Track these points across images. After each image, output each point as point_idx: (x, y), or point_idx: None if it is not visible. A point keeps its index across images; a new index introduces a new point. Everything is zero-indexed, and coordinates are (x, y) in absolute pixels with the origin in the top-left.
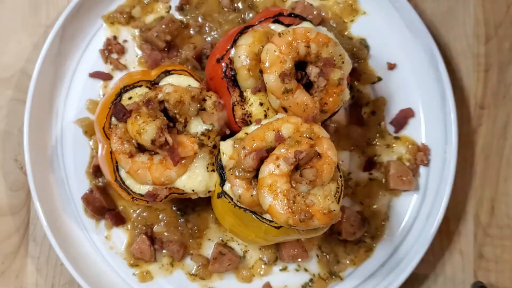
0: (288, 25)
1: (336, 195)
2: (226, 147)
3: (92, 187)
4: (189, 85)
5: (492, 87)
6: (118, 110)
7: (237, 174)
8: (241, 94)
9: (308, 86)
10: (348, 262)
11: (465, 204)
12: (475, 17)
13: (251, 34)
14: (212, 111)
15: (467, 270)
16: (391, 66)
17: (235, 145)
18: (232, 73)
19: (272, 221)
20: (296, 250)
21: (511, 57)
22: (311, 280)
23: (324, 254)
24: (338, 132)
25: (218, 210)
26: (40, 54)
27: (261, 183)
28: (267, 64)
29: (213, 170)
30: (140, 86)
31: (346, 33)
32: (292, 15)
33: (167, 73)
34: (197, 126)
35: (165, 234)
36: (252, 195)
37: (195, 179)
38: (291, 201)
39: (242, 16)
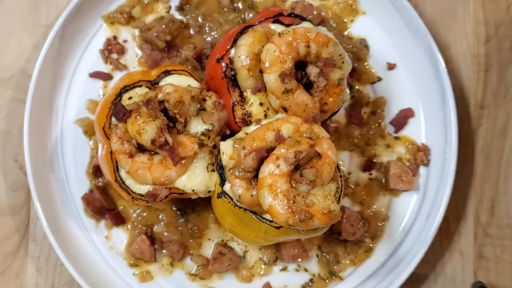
0: (288, 25)
1: (336, 195)
2: (226, 147)
3: (92, 187)
4: (189, 85)
5: (492, 87)
6: (118, 110)
7: (237, 174)
8: (241, 94)
9: (308, 86)
10: (348, 262)
11: (465, 204)
12: (475, 17)
13: (251, 34)
14: (212, 111)
15: (467, 270)
16: (391, 66)
17: (235, 145)
18: (232, 73)
19: (272, 221)
20: (296, 250)
21: (511, 57)
22: (311, 280)
23: (324, 254)
24: (338, 132)
25: (218, 210)
26: (40, 54)
27: (261, 183)
28: (267, 64)
29: (213, 170)
30: (140, 86)
31: (346, 33)
32: (292, 15)
33: (167, 73)
34: (197, 126)
35: (165, 234)
36: (252, 195)
37: (195, 179)
38: (291, 201)
39: (242, 16)
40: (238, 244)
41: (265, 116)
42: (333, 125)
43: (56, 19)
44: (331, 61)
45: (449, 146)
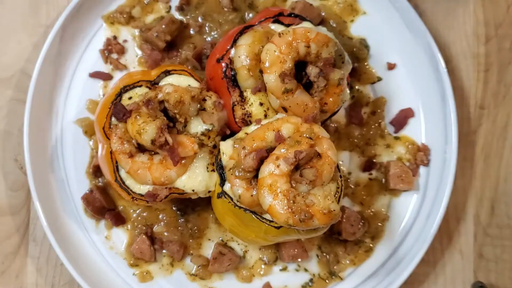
0: (288, 25)
1: (336, 195)
2: (226, 147)
3: (92, 187)
4: (189, 85)
5: (492, 87)
6: (118, 110)
7: (237, 174)
8: (241, 94)
9: (308, 86)
10: (348, 262)
11: (465, 204)
12: (475, 17)
13: (251, 34)
14: (212, 111)
15: (467, 270)
16: (391, 66)
17: (235, 145)
18: (232, 73)
19: (272, 221)
20: (296, 250)
21: (511, 57)
22: (311, 280)
23: (324, 254)
24: (338, 132)
25: (218, 210)
26: (40, 54)
27: (261, 183)
28: (267, 64)
29: (213, 170)
30: (140, 86)
31: (346, 33)
32: (292, 15)
33: (167, 73)
34: (197, 126)
35: (165, 234)
36: (252, 195)
37: (195, 179)
38: (291, 201)
39: (242, 16)
40: (238, 244)
41: (265, 116)
42: (333, 125)
43: (56, 19)
44: (331, 61)
45: (449, 146)
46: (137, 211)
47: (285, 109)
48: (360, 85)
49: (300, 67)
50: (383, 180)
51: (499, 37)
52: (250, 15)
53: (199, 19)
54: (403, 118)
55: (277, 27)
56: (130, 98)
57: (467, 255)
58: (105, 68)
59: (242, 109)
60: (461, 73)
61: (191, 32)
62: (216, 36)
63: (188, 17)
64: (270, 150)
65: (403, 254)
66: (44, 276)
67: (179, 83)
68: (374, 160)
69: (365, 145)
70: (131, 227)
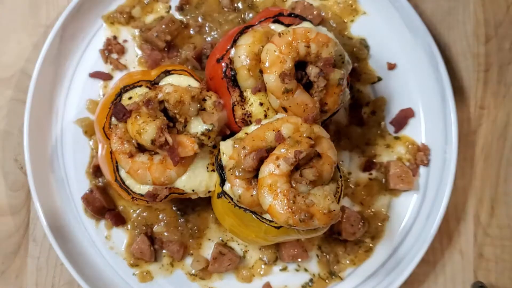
0: (288, 25)
1: (336, 195)
2: (226, 147)
3: (92, 187)
4: (189, 85)
5: (492, 87)
6: (118, 110)
7: (237, 174)
8: (241, 94)
9: (308, 86)
10: (348, 262)
11: (465, 204)
12: (475, 17)
13: (251, 34)
14: (212, 111)
15: (467, 270)
16: (391, 66)
17: (235, 145)
18: (232, 73)
19: (272, 221)
20: (296, 250)
21: (511, 57)
22: (311, 280)
23: (324, 254)
24: (338, 132)
25: (218, 210)
26: (40, 54)
27: (261, 183)
28: (267, 64)
29: (213, 170)
30: (140, 86)
31: (346, 33)
32: (292, 15)
33: (167, 73)
34: (197, 126)
35: (165, 234)
36: (252, 195)
37: (195, 179)
38: (291, 201)
39: (242, 16)
40: (238, 244)
41: (265, 116)
42: (333, 125)
43: (56, 19)
44: (331, 61)
45: (449, 146)
46: (137, 211)
47: (285, 109)
48: (360, 85)
49: (300, 67)
50: (383, 180)
51: (499, 37)
52: (250, 15)
53: (199, 19)
54: (403, 118)
55: (277, 27)
56: (130, 98)
57: (467, 255)
58: (105, 68)
59: (242, 109)
60: (461, 73)
61: (191, 32)
62: (216, 36)
63: (188, 17)
64: (270, 150)
65: (403, 254)
66: (44, 276)
67: (179, 83)
68: (374, 160)
69: (365, 145)
70: (131, 227)
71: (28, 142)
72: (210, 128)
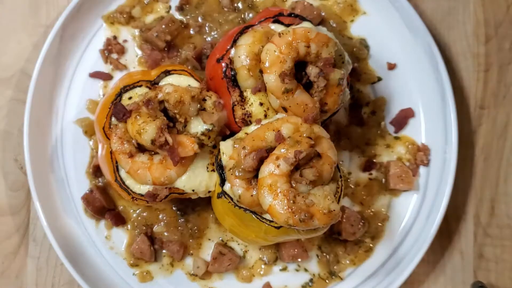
0: (288, 25)
1: (336, 195)
2: (226, 147)
3: (92, 187)
4: (189, 85)
5: (492, 87)
6: (118, 110)
7: (237, 174)
8: (241, 94)
9: (308, 86)
10: (348, 262)
11: (465, 204)
12: (475, 17)
13: (251, 34)
14: (212, 111)
15: (467, 270)
16: (391, 66)
17: (235, 145)
18: (232, 73)
19: (272, 221)
20: (296, 250)
21: (511, 57)
22: (311, 280)
23: (324, 254)
24: (338, 132)
25: (218, 210)
26: (40, 54)
27: (261, 183)
28: (267, 64)
29: (213, 170)
30: (140, 86)
31: (346, 33)
32: (292, 15)
33: (167, 73)
34: (197, 126)
35: (165, 234)
36: (252, 195)
37: (195, 179)
38: (291, 201)
39: (242, 16)
40: (238, 244)
41: (265, 116)
42: (333, 125)
43: (56, 19)
44: (331, 61)
45: (449, 146)
46: (137, 211)
47: (285, 109)
48: (360, 85)
49: (300, 67)
50: (383, 180)
51: (499, 37)
52: (250, 15)
53: (199, 19)
54: (403, 118)
55: (277, 27)
56: (130, 98)
57: (467, 255)
58: (105, 68)
59: (242, 109)
60: (461, 73)
61: (191, 32)
62: (216, 36)
63: (188, 17)
64: (270, 150)
65: (403, 254)
66: (44, 276)
67: (179, 83)
68: (374, 160)
69: (365, 145)
70: (131, 227)
71: (28, 142)
72: (210, 128)
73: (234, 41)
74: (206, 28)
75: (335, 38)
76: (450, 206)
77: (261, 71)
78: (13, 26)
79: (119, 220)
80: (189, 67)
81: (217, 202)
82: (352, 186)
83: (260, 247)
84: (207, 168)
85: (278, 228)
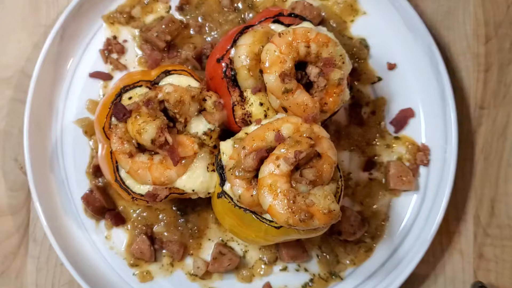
0: (288, 25)
1: (336, 195)
2: (226, 147)
3: (92, 187)
4: (189, 85)
5: (492, 87)
6: (118, 110)
7: (237, 174)
8: (241, 94)
9: (308, 86)
10: (348, 262)
11: (465, 204)
12: (475, 17)
13: (251, 34)
14: (212, 111)
15: (467, 270)
16: (391, 66)
17: (235, 145)
18: (232, 73)
19: (272, 221)
20: (296, 250)
21: (511, 57)
22: (311, 280)
23: (324, 254)
24: (338, 132)
25: (218, 210)
26: (40, 54)
27: (261, 183)
28: (267, 64)
29: (213, 170)
30: (140, 86)
31: (346, 33)
32: (292, 15)
33: (167, 73)
34: (197, 126)
35: (165, 234)
36: (252, 195)
37: (195, 179)
38: (291, 201)
39: (242, 16)
40: (238, 244)
41: (265, 116)
42: (333, 125)
43: (56, 19)
44: (331, 61)
45: (449, 146)
46: (137, 211)
47: (285, 109)
48: (360, 85)
49: (300, 67)
50: (383, 180)
51: (499, 37)
52: (250, 15)
53: (199, 19)
54: (403, 118)
55: (277, 27)
56: (130, 98)
57: (467, 255)
58: (105, 68)
59: (242, 109)
60: (461, 73)
61: (191, 32)
62: (216, 36)
63: (188, 17)
64: (270, 150)
65: (403, 254)
66: (44, 276)
67: (179, 83)
68: (374, 160)
69: (365, 145)
70: (131, 227)
71: (28, 142)
72: (213, 128)
73: (234, 41)
74: (206, 28)
75: (335, 38)
76: (450, 206)
77: (261, 71)
78: (13, 26)
79: (119, 220)
80: (189, 67)
81: (217, 202)
82: (352, 186)
83: (260, 247)
84: (207, 168)
85: (278, 228)
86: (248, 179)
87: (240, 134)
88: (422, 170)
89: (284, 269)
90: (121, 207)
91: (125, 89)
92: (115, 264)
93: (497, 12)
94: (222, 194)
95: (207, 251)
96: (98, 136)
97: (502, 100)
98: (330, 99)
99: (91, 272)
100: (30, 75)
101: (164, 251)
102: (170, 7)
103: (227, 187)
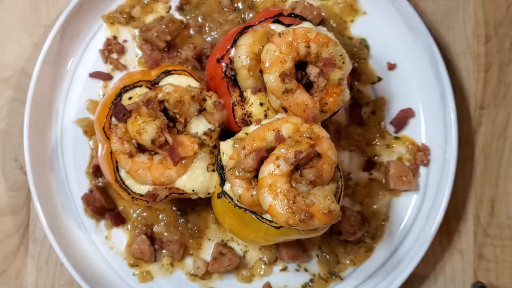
0: (288, 25)
1: (336, 195)
2: (226, 147)
3: (92, 187)
4: (189, 85)
5: (492, 87)
6: (118, 110)
7: (237, 174)
8: (241, 94)
9: (308, 86)
10: (348, 262)
11: (465, 204)
12: (475, 17)
13: (251, 34)
14: (212, 111)
15: (467, 270)
16: (391, 66)
17: (235, 145)
18: (232, 73)
19: (272, 221)
20: (296, 250)
21: (511, 57)
22: (311, 280)
23: (324, 254)
24: (338, 132)
25: (218, 210)
26: (40, 54)
27: (261, 183)
28: (267, 64)
29: (213, 170)
30: (140, 86)
31: (346, 33)
32: (292, 15)
33: (167, 73)
34: (197, 126)
35: (165, 234)
36: (252, 195)
37: (195, 179)
38: (291, 201)
39: (242, 16)
40: (238, 244)
41: (265, 116)
42: (333, 125)
43: (56, 19)
44: (331, 61)
45: (449, 146)
46: (137, 211)
47: (285, 109)
48: (360, 85)
49: (300, 67)
50: (383, 180)
51: (499, 37)
52: (250, 15)
53: (199, 19)
54: (403, 118)
55: (277, 27)
56: (130, 98)
57: (467, 255)
58: (105, 68)
59: (242, 109)
60: (461, 73)
61: (191, 32)
62: (216, 36)
63: (188, 17)
64: (270, 150)
65: (403, 254)
66: (44, 276)
67: (179, 83)
68: (374, 160)
69: (365, 145)
70: (131, 227)
71: (28, 142)
72: (213, 128)
73: (234, 41)
74: (206, 28)
75: (335, 38)
76: (450, 206)
77: (261, 71)
78: (13, 26)
79: (119, 220)
80: (189, 67)
81: (217, 202)
82: (352, 186)
83: (260, 247)
84: (207, 168)
85: (278, 228)
86: (248, 179)
87: (240, 134)
88: (422, 170)
89: (284, 269)
90: (121, 207)
91: (125, 89)
92: (115, 264)
93: (497, 12)
94: (222, 194)
95: (207, 251)
96: (98, 136)
97: (502, 100)
98: (330, 99)
99: (91, 272)
100: (30, 75)
101: (164, 251)
102: (170, 7)
103: (227, 187)
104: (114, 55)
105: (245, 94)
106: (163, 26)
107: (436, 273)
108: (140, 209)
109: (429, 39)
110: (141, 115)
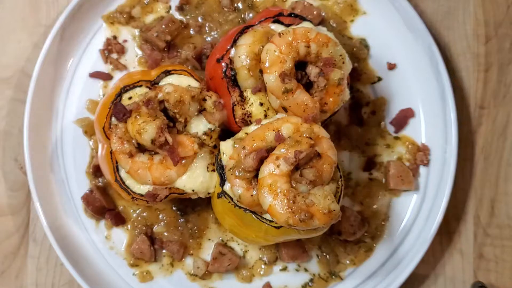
0: (288, 25)
1: (336, 195)
2: (226, 147)
3: (92, 187)
4: (189, 85)
5: (492, 87)
6: (118, 110)
7: (237, 174)
8: (241, 94)
9: (308, 86)
10: (348, 262)
11: (465, 204)
12: (475, 17)
13: (251, 34)
14: (212, 111)
15: (467, 270)
16: (391, 66)
17: (235, 145)
18: (232, 73)
19: (272, 221)
20: (296, 250)
21: (511, 57)
22: (311, 280)
23: (324, 254)
24: (338, 132)
25: (218, 210)
26: (40, 54)
27: (261, 183)
28: (267, 64)
29: (213, 170)
30: (140, 86)
31: (346, 33)
32: (292, 15)
33: (167, 73)
34: (197, 126)
35: (165, 234)
36: (252, 195)
37: (195, 179)
38: (291, 201)
39: (242, 16)
40: (238, 244)
41: (265, 116)
42: (333, 125)
43: (56, 19)
44: (331, 61)
45: (449, 146)
46: (137, 211)
47: (285, 109)
48: (360, 85)
49: (300, 67)
50: (383, 180)
51: (499, 37)
52: (250, 15)
53: (199, 19)
54: (403, 118)
55: (277, 27)
56: (130, 98)
57: (467, 255)
58: (105, 68)
59: (242, 109)
60: (461, 73)
61: (191, 32)
62: (216, 36)
63: (188, 17)
64: (270, 150)
65: (403, 254)
66: (44, 276)
67: (179, 83)
68: (374, 160)
69: (365, 145)
70: (131, 227)
71: (28, 142)
72: (213, 128)
73: (234, 41)
74: (206, 28)
75: (335, 38)
76: (450, 206)
77: (261, 71)
78: (13, 26)
79: (119, 220)
80: (189, 67)
81: (217, 202)
82: (352, 186)
83: (260, 247)
84: (207, 168)
85: (278, 228)
86: (248, 179)
87: (240, 134)
88: (422, 170)
89: (284, 269)
90: (121, 207)
91: (125, 89)
92: (115, 264)
93: (497, 12)
94: (222, 194)
95: (207, 251)
96: (98, 136)
97: (502, 100)
98: (330, 99)
99: (91, 272)
100: (30, 75)
101: (164, 251)
102: (170, 7)
103: (227, 187)
104: (114, 55)
105: (245, 94)
106: (163, 26)
107: (436, 273)
108: (140, 209)
109: (429, 39)
110: (141, 115)
